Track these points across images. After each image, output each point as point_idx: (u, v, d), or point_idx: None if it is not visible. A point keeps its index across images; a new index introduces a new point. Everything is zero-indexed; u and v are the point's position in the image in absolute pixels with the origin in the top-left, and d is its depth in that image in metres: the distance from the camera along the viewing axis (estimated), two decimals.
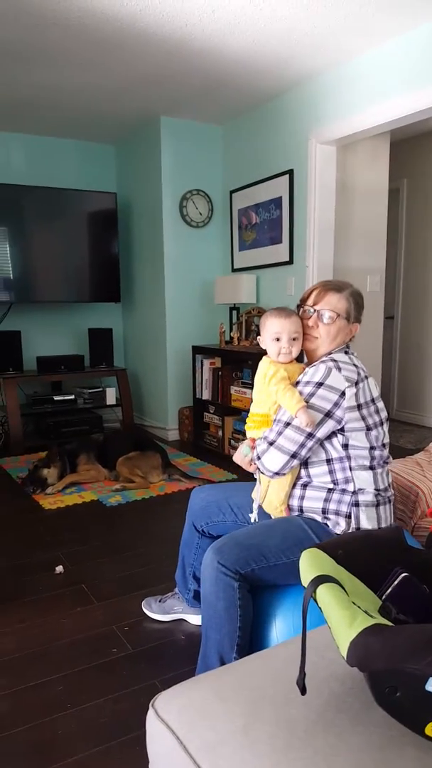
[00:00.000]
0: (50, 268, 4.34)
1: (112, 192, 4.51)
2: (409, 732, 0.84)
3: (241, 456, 1.63)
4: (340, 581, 0.86)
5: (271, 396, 1.53)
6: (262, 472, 1.55)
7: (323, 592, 0.83)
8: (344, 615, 0.78)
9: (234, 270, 4.39)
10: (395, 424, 4.97)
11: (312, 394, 1.46)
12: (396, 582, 0.92)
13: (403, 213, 4.94)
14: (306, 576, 0.88)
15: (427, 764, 0.80)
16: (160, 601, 2.00)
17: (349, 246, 3.98)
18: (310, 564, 0.90)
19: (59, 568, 2.37)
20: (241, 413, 3.94)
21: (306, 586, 0.87)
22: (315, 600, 0.86)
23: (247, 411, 4.11)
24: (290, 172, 3.71)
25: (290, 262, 3.80)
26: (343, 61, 3.19)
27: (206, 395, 4.19)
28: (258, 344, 1.69)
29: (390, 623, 0.81)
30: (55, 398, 4.35)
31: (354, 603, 0.82)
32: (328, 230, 3.63)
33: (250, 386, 3.74)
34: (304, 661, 0.87)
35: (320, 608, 0.84)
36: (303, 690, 0.88)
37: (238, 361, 3.98)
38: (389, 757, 0.82)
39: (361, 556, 0.98)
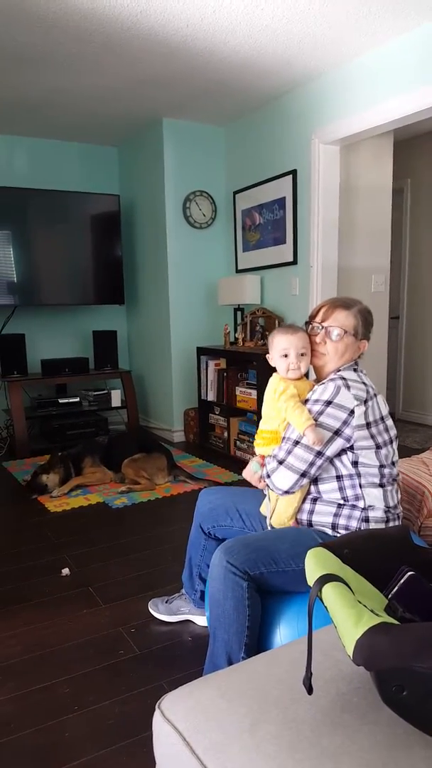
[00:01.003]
0: (54, 271, 4.36)
1: (115, 194, 4.52)
2: (416, 731, 0.84)
3: (250, 473, 1.64)
4: (346, 580, 0.86)
5: (280, 413, 1.53)
6: (271, 490, 1.56)
7: (329, 591, 0.82)
8: (350, 614, 0.77)
9: (238, 271, 4.39)
10: (401, 424, 4.95)
11: (321, 413, 1.46)
12: (402, 580, 0.92)
13: (407, 213, 4.92)
14: (312, 575, 0.88)
15: None
16: (166, 602, 2.00)
17: (354, 246, 3.97)
18: (316, 563, 0.89)
19: (65, 571, 2.37)
20: (246, 414, 3.94)
21: (312, 585, 0.86)
22: (321, 599, 0.85)
23: (252, 411, 4.10)
24: (293, 173, 3.71)
25: (294, 262, 3.80)
26: (345, 61, 3.19)
27: (211, 396, 4.18)
28: (263, 344, 1.69)
29: (396, 622, 0.81)
30: (60, 401, 4.36)
31: (360, 602, 0.81)
32: (332, 230, 3.62)
33: (255, 387, 3.73)
34: (311, 661, 0.87)
35: (326, 607, 0.84)
36: (309, 690, 0.87)
37: (243, 362, 3.98)
38: (397, 757, 0.81)
39: (367, 554, 0.97)
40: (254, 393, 3.73)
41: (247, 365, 3.95)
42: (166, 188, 4.21)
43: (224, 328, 4.18)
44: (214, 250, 4.50)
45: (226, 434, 4.07)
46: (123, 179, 4.82)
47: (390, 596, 0.91)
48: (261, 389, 3.60)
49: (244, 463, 1.70)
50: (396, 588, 0.92)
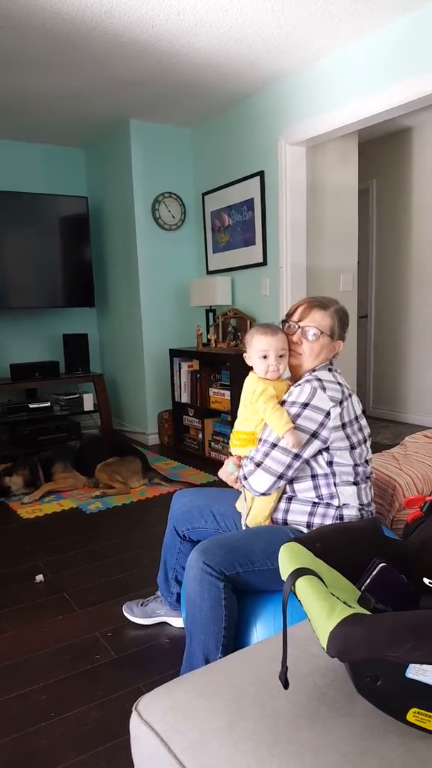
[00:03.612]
0: (22, 274, 4.29)
1: (83, 196, 4.48)
2: (391, 720, 0.85)
3: (227, 474, 1.63)
4: (319, 573, 0.87)
5: (257, 414, 1.53)
6: (248, 491, 1.56)
7: (302, 585, 0.83)
8: (323, 606, 0.78)
9: (209, 272, 4.39)
10: (372, 420, 5.02)
11: (298, 415, 1.47)
12: (374, 572, 0.93)
13: (374, 213, 5.01)
14: (285, 569, 0.89)
15: (409, 750, 0.81)
16: (141, 605, 1.98)
17: (322, 246, 4.02)
18: (289, 557, 0.90)
19: (39, 577, 2.33)
20: (220, 415, 3.94)
21: (285, 579, 0.87)
22: (294, 593, 0.86)
23: (226, 412, 4.10)
24: (261, 174, 3.73)
25: (264, 263, 3.82)
26: (310, 62, 3.23)
27: (185, 398, 4.18)
28: (235, 345, 1.69)
29: (369, 613, 0.82)
30: (31, 406, 4.29)
31: (333, 594, 0.82)
32: (300, 231, 3.66)
33: (229, 388, 3.74)
34: (286, 656, 0.87)
35: (299, 601, 0.84)
36: (286, 684, 0.88)
37: (216, 363, 3.99)
38: (373, 746, 0.82)
39: (339, 548, 0.98)
40: (228, 394, 3.74)
41: (220, 366, 3.95)
42: (135, 190, 4.20)
43: (196, 329, 4.18)
44: (184, 251, 4.50)
45: (200, 435, 4.07)
46: (90, 181, 4.78)
47: (363, 588, 0.93)
48: (235, 390, 3.61)
49: (219, 464, 1.70)
50: (368, 580, 0.93)
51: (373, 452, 2.34)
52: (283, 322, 1.62)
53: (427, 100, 2.76)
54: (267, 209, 3.75)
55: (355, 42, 2.97)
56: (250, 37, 2.88)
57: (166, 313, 4.46)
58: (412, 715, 0.81)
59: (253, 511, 1.59)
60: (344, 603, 0.80)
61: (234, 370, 3.61)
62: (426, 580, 0.97)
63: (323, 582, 0.85)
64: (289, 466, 1.48)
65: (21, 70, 3.17)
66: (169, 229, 4.38)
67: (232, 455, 1.64)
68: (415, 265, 4.72)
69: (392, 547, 1.05)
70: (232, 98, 3.77)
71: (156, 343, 4.43)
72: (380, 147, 4.83)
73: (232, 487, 1.68)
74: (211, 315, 4.34)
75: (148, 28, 2.74)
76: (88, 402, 4.48)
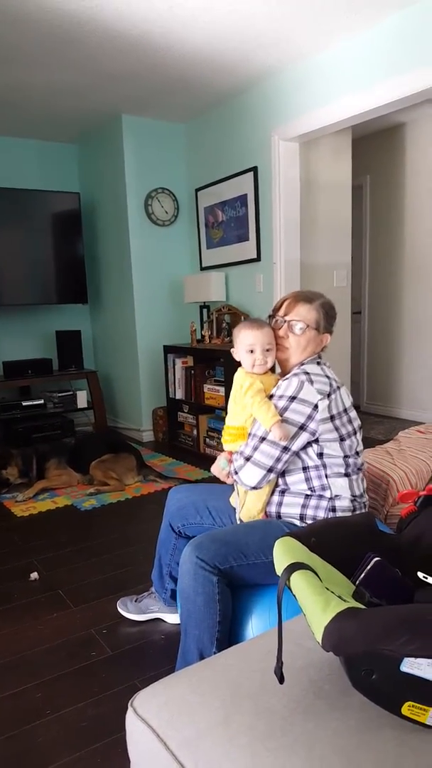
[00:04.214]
0: (14, 270, 4.26)
1: (75, 192, 4.46)
2: (385, 713, 0.85)
3: (218, 469, 1.65)
4: (314, 568, 0.87)
5: (246, 408, 1.54)
6: (240, 485, 1.57)
7: (297, 579, 0.83)
8: (318, 600, 0.78)
9: (203, 268, 4.38)
10: (365, 416, 5.04)
11: (286, 408, 1.47)
12: (369, 566, 0.93)
13: (367, 209, 5.01)
14: (280, 564, 0.89)
15: (404, 743, 0.81)
16: (136, 601, 1.98)
17: (316, 242, 4.02)
18: (284, 552, 0.90)
19: (34, 575, 2.33)
20: (214, 411, 3.94)
21: (280, 573, 0.87)
22: (289, 587, 0.86)
23: (221, 408, 4.10)
24: (254, 169, 3.72)
25: (258, 259, 3.82)
26: (303, 58, 3.22)
27: (179, 395, 4.17)
28: (229, 341, 1.70)
29: (364, 607, 0.82)
30: (24, 403, 4.27)
31: (328, 588, 0.82)
32: (294, 227, 3.66)
33: (223, 384, 3.74)
34: (281, 650, 0.87)
35: (294, 595, 0.84)
36: (281, 679, 0.88)
37: (210, 359, 3.98)
38: (367, 740, 0.82)
39: (334, 542, 0.98)
40: (222, 390, 3.74)
41: (214, 362, 3.95)
42: (128, 186, 4.18)
43: (190, 325, 4.17)
44: (177, 247, 4.48)
45: (195, 432, 4.07)
46: (83, 177, 4.75)
47: (357, 582, 0.93)
48: (229, 386, 3.61)
49: (213, 460, 1.71)
50: (363, 574, 0.93)
51: (367, 447, 2.35)
52: (270, 317, 1.64)
53: (421, 96, 2.76)
54: (261, 205, 3.74)
55: (349, 38, 2.97)
56: (243, 32, 2.87)
57: (160, 309, 4.45)
58: (406, 709, 0.82)
59: (247, 505, 1.59)
60: (339, 597, 0.80)
61: (228, 367, 3.61)
62: (420, 574, 0.98)
63: (318, 576, 0.85)
64: (278, 459, 1.49)
65: (12, 65, 3.15)
66: (162, 225, 4.36)
67: (224, 450, 1.64)
68: (408, 261, 4.73)
69: (386, 542, 1.06)
70: (225, 93, 3.75)
71: (150, 340, 4.42)
72: (374, 143, 4.83)
73: (226, 483, 1.68)
74: (205, 311, 4.34)
75: (140, 22, 2.73)
76: (82, 399, 4.46)
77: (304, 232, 3.82)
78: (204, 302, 4.28)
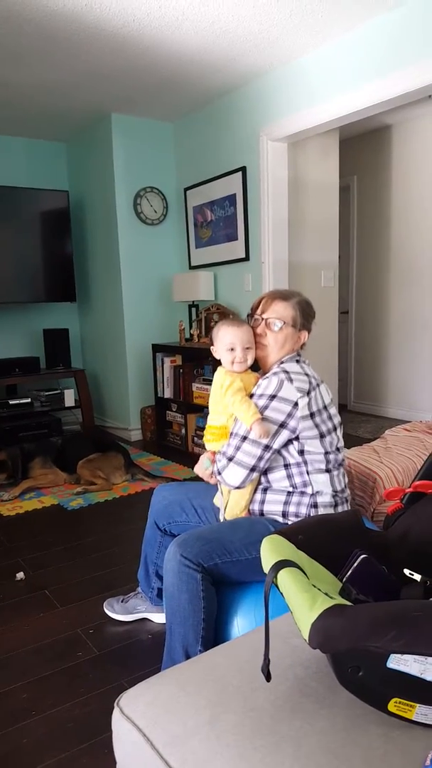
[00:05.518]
0: (1, 268, 4.22)
1: (64, 190, 4.43)
2: (372, 711, 0.86)
3: (202, 469, 1.65)
4: (301, 565, 0.87)
5: (227, 407, 1.54)
6: (223, 485, 1.57)
7: (284, 577, 0.83)
8: (305, 598, 0.78)
9: (191, 267, 4.38)
10: (353, 415, 5.07)
11: (266, 407, 1.49)
12: (355, 563, 0.94)
13: (354, 209, 5.04)
14: (267, 562, 0.88)
15: (391, 739, 0.81)
16: (122, 602, 1.97)
17: (303, 242, 4.03)
18: (271, 550, 0.90)
19: (20, 575, 2.31)
20: (203, 410, 3.94)
21: (267, 571, 0.87)
22: (276, 585, 0.86)
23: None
24: (243, 169, 3.72)
25: (246, 258, 3.82)
26: (291, 58, 3.22)
27: (168, 393, 4.16)
28: None
29: (350, 603, 0.82)
30: (11, 402, 4.24)
31: (314, 586, 0.82)
32: (282, 227, 3.66)
33: (211, 383, 3.73)
34: (268, 648, 0.87)
35: (281, 593, 0.84)
36: (268, 677, 0.88)
37: (198, 358, 3.98)
38: (355, 737, 0.83)
39: (321, 540, 0.99)
40: (211, 389, 3.73)
41: (202, 361, 3.95)
42: (117, 184, 4.16)
43: (179, 324, 4.16)
44: (166, 246, 4.47)
45: (183, 431, 4.06)
46: (72, 175, 4.73)
47: (344, 579, 0.93)
48: None
49: None
50: (350, 571, 0.94)
51: (354, 446, 2.36)
52: (249, 316, 1.65)
53: (407, 98, 2.78)
54: (249, 205, 3.74)
55: (336, 39, 2.98)
56: (231, 32, 2.87)
57: (149, 308, 4.44)
58: (393, 705, 0.82)
59: (230, 503, 1.60)
60: (326, 594, 0.80)
61: (216, 366, 3.60)
62: (406, 571, 0.98)
63: (305, 574, 0.85)
64: (260, 458, 1.49)
65: (1, 63, 3.12)
66: (151, 224, 4.35)
67: (207, 450, 1.64)
68: (394, 261, 4.76)
69: (373, 539, 1.06)
70: (214, 93, 3.75)
71: (138, 338, 4.41)
72: (360, 144, 4.85)
73: (209, 483, 1.68)
74: (193, 310, 4.33)
75: (129, 21, 2.71)
76: (69, 398, 4.44)
77: (293, 232, 3.83)
78: (193, 301, 4.27)
